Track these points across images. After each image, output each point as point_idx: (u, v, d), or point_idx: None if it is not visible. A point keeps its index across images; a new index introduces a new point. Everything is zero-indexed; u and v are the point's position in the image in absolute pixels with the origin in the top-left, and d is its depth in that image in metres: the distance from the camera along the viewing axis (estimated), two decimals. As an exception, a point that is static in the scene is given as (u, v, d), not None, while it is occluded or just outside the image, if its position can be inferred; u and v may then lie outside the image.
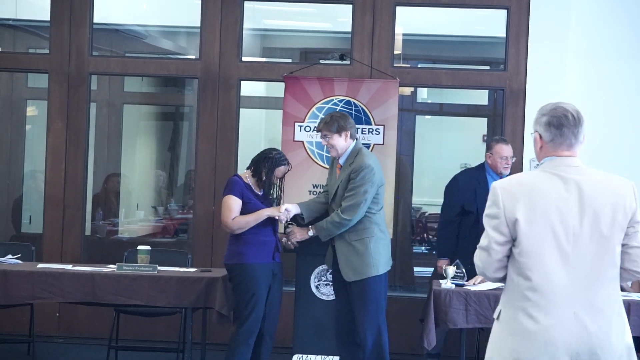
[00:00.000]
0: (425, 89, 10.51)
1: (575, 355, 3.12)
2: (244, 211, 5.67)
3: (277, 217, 5.69)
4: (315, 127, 6.86)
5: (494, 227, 3.21)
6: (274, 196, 5.86)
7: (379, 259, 5.64)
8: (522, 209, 3.19)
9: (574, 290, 3.15)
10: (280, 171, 5.77)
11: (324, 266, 6.07)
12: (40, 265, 6.13)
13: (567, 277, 3.16)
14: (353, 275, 5.62)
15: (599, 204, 3.23)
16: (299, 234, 5.80)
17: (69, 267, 6.10)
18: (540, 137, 3.33)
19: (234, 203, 5.66)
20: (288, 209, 5.70)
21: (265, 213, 5.66)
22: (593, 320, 3.13)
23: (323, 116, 6.20)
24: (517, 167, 7.35)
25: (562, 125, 3.29)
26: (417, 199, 11.08)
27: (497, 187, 3.25)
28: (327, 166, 6.31)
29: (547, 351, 3.11)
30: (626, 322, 3.23)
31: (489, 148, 6.63)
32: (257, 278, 5.63)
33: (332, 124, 5.71)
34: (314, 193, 6.60)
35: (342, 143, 5.72)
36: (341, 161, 5.75)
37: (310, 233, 5.75)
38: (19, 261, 6.22)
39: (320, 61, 7.61)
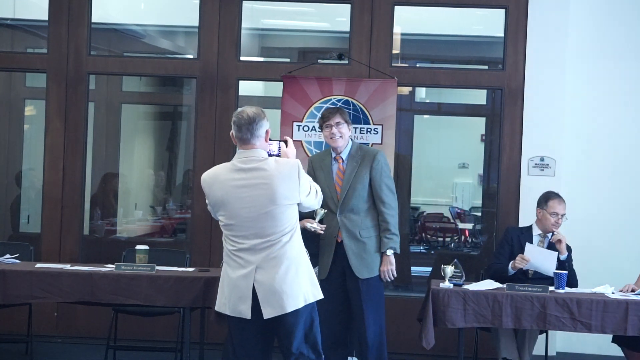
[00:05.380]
0: (424, 89, 10.53)
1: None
2: None
3: None
4: (313, 126, 6.86)
5: (208, 203, 4.48)
6: None
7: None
8: (213, 194, 4.38)
9: (254, 252, 4.32)
10: None
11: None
12: (39, 265, 6.12)
13: (248, 244, 4.31)
14: (367, 273, 5.64)
15: (267, 182, 4.29)
16: (389, 265, 5.75)
17: (67, 266, 6.09)
18: (233, 134, 4.43)
19: None
20: None
21: None
22: (265, 270, 4.30)
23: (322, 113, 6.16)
24: (515, 166, 7.36)
25: (240, 124, 4.38)
26: (415, 199, 11.09)
27: (202, 179, 4.45)
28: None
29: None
30: (291, 270, 4.34)
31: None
32: None
33: (345, 113, 5.75)
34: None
35: (348, 135, 5.73)
36: (344, 155, 5.74)
37: (389, 253, 5.70)
38: (17, 261, 6.21)
39: (319, 61, 7.61)
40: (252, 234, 4.33)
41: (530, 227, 6.45)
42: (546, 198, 6.35)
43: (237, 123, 4.40)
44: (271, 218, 4.32)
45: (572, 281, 6.17)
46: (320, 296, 4.48)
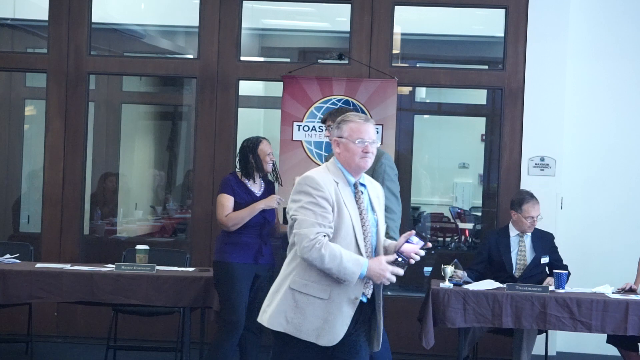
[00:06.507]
0: (424, 89, 10.51)
1: None
2: (239, 209, 5.68)
3: (273, 207, 5.71)
4: (313, 126, 6.86)
5: None
6: (276, 176, 5.93)
7: None
8: None
9: None
10: (263, 148, 5.81)
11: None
12: (39, 265, 6.13)
13: None
14: None
15: None
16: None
17: (67, 266, 6.10)
18: None
19: (226, 200, 5.71)
20: (280, 198, 5.72)
21: (259, 206, 5.69)
22: None
23: (322, 115, 6.18)
24: (516, 166, 7.36)
25: None
26: (415, 199, 11.08)
27: None
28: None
29: None
30: (276, 286, 3.90)
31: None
32: (236, 277, 5.64)
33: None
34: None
35: None
36: None
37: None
38: (17, 261, 6.21)
39: (319, 61, 7.61)
40: None
41: (506, 228, 6.41)
42: (520, 202, 6.30)
43: None
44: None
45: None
46: (294, 334, 3.82)
